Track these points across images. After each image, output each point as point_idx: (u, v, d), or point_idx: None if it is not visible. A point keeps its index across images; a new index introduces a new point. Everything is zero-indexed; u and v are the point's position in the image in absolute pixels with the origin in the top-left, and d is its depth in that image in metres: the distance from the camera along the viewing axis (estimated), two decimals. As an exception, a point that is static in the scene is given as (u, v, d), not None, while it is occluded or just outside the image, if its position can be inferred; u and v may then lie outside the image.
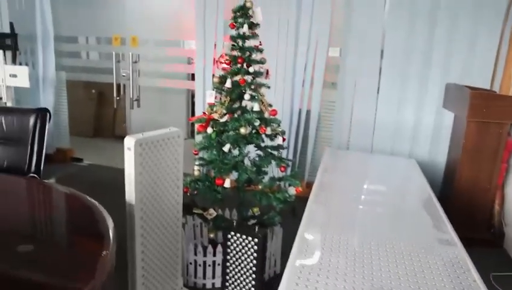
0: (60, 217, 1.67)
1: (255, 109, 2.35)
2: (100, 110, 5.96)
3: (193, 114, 6.01)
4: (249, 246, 2.09)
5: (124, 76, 4.38)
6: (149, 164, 1.90)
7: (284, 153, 3.00)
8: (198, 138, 2.52)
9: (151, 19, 4.17)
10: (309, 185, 2.78)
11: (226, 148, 2.32)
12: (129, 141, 1.80)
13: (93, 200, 1.69)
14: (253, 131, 2.38)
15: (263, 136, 2.42)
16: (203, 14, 3.82)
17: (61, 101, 4.62)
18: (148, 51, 4.49)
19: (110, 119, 5.96)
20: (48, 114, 2.47)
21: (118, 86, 4.52)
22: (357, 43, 3.47)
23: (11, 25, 4.00)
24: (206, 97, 2.42)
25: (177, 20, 4.14)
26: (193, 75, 5.05)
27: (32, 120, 2.42)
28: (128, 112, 5.47)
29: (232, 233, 2.11)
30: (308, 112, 3.71)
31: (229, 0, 3.72)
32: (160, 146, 1.95)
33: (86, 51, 5.27)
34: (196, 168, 2.44)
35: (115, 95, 4.48)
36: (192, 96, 5.89)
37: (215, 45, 3.84)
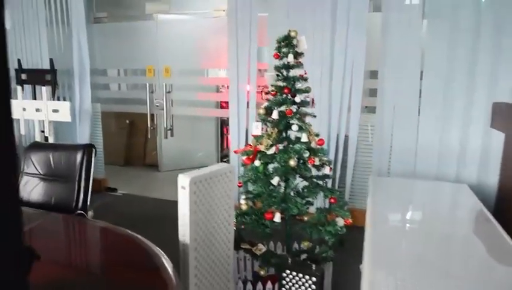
0: (117, 258, 1.63)
1: (303, 140, 2.30)
2: (131, 139, 6.01)
3: (222, 141, 6.02)
4: (306, 285, 2.01)
5: (157, 106, 4.41)
6: (202, 202, 1.86)
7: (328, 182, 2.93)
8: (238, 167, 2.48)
9: (183, 49, 4.21)
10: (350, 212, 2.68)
11: (274, 181, 2.26)
12: (183, 180, 1.77)
13: (147, 241, 1.65)
14: (301, 162, 2.32)
15: (310, 166, 2.36)
16: (235, 42, 3.83)
17: (96, 132, 4.67)
18: (180, 81, 4.52)
19: (141, 148, 5.99)
20: (94, 150, 2.47)
21: (152, 115, 4.55)
22: (395, 65, 3.41)
23: (51, 61, 4.10)
24: (252, 128, 2.39)
25: (208, 49, 4.16)
26: (221, 103, 5.10)
27: (79, 156, 2.41)
28: (159, 140, 5.49)
29: (288, 271, 2.04)
30: (346, 138, 3.64)
31: (262, 28, 3.73)
32: (213, 183, 1.90)
33: (120, 83, 5.35)
34: (243, 201, 2.39)
35: (148, 125, 4.50)
36: (221, 123, 5.91)
37: (248, 72, 3.83)
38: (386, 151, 3.53)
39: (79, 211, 2.36)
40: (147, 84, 4.36)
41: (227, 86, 3.91)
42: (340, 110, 3.60)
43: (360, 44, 3.47)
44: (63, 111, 3.72)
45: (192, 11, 4.72)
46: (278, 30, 3.68)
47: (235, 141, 3.89)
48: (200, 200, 1.84)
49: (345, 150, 3.66)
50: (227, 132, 6.16)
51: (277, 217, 2.21)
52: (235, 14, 3.79)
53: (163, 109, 4.38)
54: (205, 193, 1.86)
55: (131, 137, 6.02)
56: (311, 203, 2.45)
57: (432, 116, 3.35)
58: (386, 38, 3.41)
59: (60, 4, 4.33)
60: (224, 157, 6.08)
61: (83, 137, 4.50)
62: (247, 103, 3.82)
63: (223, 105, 5.07)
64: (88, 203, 2.45)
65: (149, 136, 4.85)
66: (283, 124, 2.34)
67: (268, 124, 2.37)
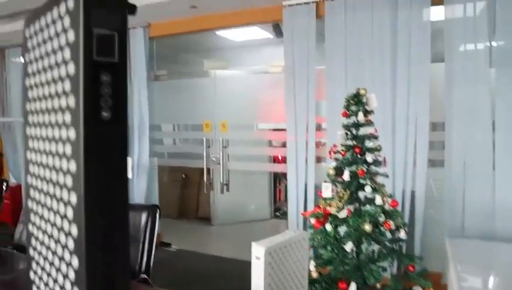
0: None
1: (377, 202, 2.17)
2: (184, 192, 6.04)
3: (275, 194, 5.92)
4: None
5: (213, 160, 4.41)
6: (276, 273, 1.74)
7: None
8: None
9: (240, 104, 4.24)
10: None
11: (348, 247, 2.12)
12: (258, 250, 1.67)
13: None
14: (376, 226, 2.17)
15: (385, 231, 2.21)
16: (293, 97, 3.80)
17: (152, 186, 4.71)
18: (236, 135, 4.53)
19: (194, 201, 5.99)
20: (158, 210, 2.44)
21: (208, 169, 4.55)
22: (463, 116, 3.23)
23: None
24: (322, 190, 2.28)
25: (265, 104, 4.17)
26: (275, 157, 5.05)
27: (144, 218, 2.39)
28: (213, 194, 5.47)
29: None
30: (412, 193, 3.44)
31: (319, 82, 3.70)
32: (287, 251, 1.79)
33: (176, 138, 5.45)
34: (313, 269, 2.25)
35: (205, 179, 4.49)
36: (274, 176, 5.85)
37: (306, 126, 3.77)
38: (458, 208, 3.29)
39: (142, 276, 2.30)
40: (204, 139, 4.39)
41: (283, 141, 3.87)
42: (404, 165, 3.43)
43: (423, 96, 3.34)
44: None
45: (249, 67, 4.79)
46: (336, 84, 3.65)
47: (294, 197, 3.78)
48: (274, 271, 1.72)
49: (412, 207, 3.45)
50: (279, 184, 6.07)
51: (352, 287, 2.05)
52: (293, 69, 3.80)
53: (219, 164, 4.37)
54: (279, 262, 1.75)
55: (184, 190, 6.05)
56: (385, 269, 2.27)
57: (509, 171, 3.11)
58: (450, 88, 3.27)
59: (122, 64, 4.52)
60: (276, 210, 5.95)
61: (139, 191, 4.54)
62: (306, 158, 3.74)
63: (277, 159, 5.02)
64: (151, 265, 2.39)
65: (205, 191, 4.83)
66: (354, 185, 2.22)
67: (338, 184, 2.26)
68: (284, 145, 4.08)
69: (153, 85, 4.59)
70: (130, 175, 3.80)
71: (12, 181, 5.40)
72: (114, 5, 0.57)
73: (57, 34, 0.61)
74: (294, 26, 3.76)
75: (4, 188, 3.58)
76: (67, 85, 0.59)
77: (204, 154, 4.43)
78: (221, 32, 4.93)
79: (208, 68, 4.79)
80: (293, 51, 3.78)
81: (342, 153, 2.25)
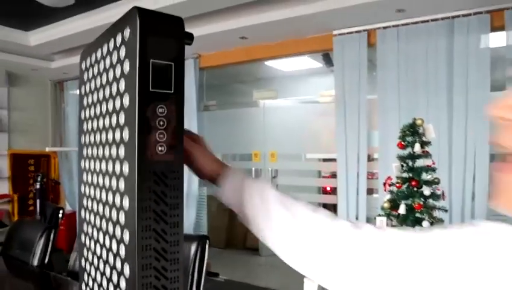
0: None
1: (436, 239, 2.02)
2: (232, 222, 6.00)
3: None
4: None
5: (262, 190, 4.36)
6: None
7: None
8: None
9: (289, 134, 4.20)
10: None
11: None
12: (310, 286, 1.59)
13: None
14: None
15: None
16: (343, 127, 3.71)
17: (201, 215, 4.71)
18: (285, 165, 4.48)
19: (242, 231, 5.93)
20: (208, 241, 2.40)
21: (256, 200, 4.51)
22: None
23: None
24: (376, 224, 2.16)
25: (315, 134, 4.10)
26: (323, 189, 4.93)
27: (193, 248, 2.35)
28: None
29: None
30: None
31: (371, 111, 3.60)
32: None
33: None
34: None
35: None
36: (323, 207, 5.70)
37: (357, 157, 3.66)
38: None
39: (191, 307, 2.26)
40: (253, 169, 4.36)
41: (332, 172, 3.77)
42: (462, 199, 3.22)
43: (482, 126, 3.15)
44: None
45: (298, 97, 4.78)
46: (388, 113, 3.53)
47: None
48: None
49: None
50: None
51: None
52: (343, 98, 3.72)
53: (267, 194, 4.31)
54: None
55: (232, 220, 6.01)
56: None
57: None
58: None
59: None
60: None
61: (188, 221, 4.54)
62: (357, 189, 3.62)
63: (326, 190, 4.90)
64: (199, 298, 2.34)
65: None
66: (411, 219, 2.09)
67: (393, 218, 2.14)
68: (333, 175, 3.98)
69: (202, 115, 4.66)
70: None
71: (68, 209, 5.59)
72: (171, 35, 0.54)
73: (113, 65, 0.59)
74: (344, 55, 3.70)
75: (60, 215, 3.69)
76: (122, 118, 0.56)
77: (253, 184, 4.39)
78: (270, 62, 4.96)
79: (257, 98, 4.82)
80: (344, 80, 3.71)
81: (398, 185, 2.14)
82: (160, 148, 0.53)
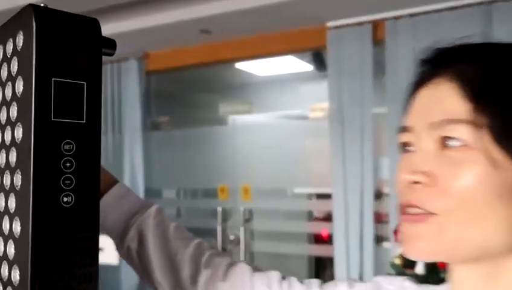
0: None
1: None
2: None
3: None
4: None
5: (231, 239, 4.33)
6: None
7: None
8: None
9: (268, 162, 4.21)
10: None
11: None
12: None
13: None
14: None
15: None
16: (341, 152, 3.75)
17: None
18: (263, 204, 4.47)
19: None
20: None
21: (224, 250, 4.47)
22: None
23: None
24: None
25: (302, 163, 4.13)
26: (315, 236, 4.93)
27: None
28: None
29: None
30: None
31: (378, 130, 3.65)
32: None
33: (181, 207, 5.42)
34: None
35: (219, 266, 4.40)
36: (316, 262, 5.70)
37: (361, 193, 3.69)
38: None
39: None
40: (219, 210, 4.34)
41: (327, 212, 3.80)
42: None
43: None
44: (107, 250, 3.73)
45: (281, 111, 4.81)
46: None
47: (345, 293, 3.64)
48: None
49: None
50: (323, 274, 5.90)
51: None
52: (341, 113, 3.76)
53: (239, 244, 4.28)
54: None
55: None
56: None
57: None
58: None
59: (111, 107, 4.60)
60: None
61: (128, 282, 4.46)
62: (360, 236, 3.64)
63: (319, 238, 4.90)
64: None
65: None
66: (434, 281, 2.10)
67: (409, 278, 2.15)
68: (329, 218, 3.99)
69: (150, 136, 4.62)
70: (116, 261, 3.73)
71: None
72: (83, 43, 0.54)
73: (1, 83, 0.58)
74: (342, 55, 3.76)
75: None
76: (13, 157, 0.55)
77: (219, 231, 4.37)
78: (242, 65, 4.99)
79: (224, 113, 4.82)
80: (341, 88, 3.77)
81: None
82: (65, 200, 0.52)
